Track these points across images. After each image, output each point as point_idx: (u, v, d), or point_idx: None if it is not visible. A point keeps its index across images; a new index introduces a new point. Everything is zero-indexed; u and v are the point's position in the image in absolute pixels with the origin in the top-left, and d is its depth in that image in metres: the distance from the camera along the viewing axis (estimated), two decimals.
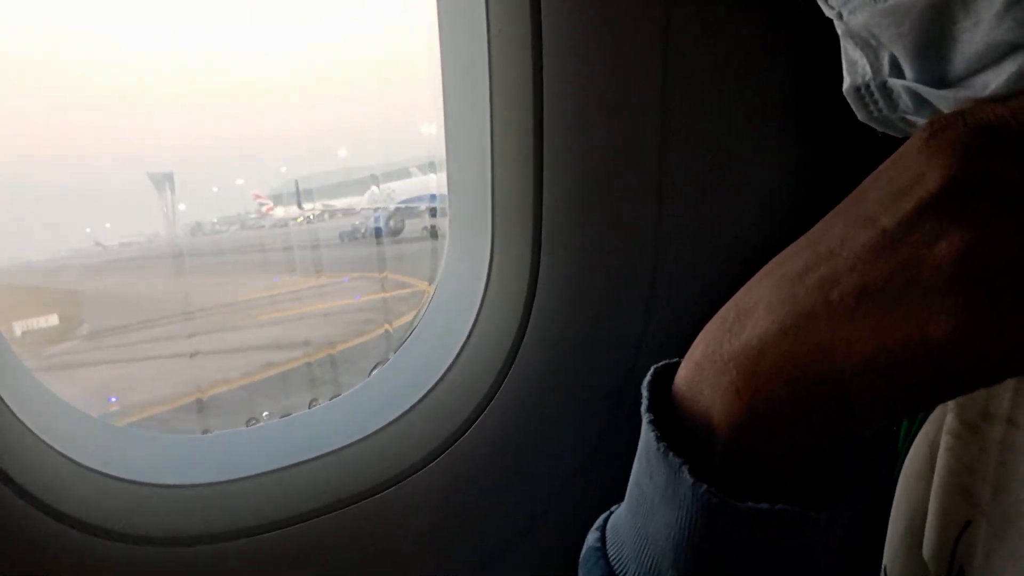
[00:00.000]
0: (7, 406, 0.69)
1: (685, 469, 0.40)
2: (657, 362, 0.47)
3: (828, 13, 0.47)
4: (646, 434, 0.43)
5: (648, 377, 0.46)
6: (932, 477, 0.43)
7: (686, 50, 0.77)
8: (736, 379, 0.39)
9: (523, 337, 0.80)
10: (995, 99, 0.35)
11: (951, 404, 0.44)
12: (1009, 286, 0.30)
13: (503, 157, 0.79)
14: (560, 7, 0.74)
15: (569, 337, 0.81)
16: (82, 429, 0.77)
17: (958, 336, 0.31)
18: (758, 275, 0.41)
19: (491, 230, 0.81)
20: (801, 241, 0.39)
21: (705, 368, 0.42)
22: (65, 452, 0.71)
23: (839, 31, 0.47)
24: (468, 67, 0.80)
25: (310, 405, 0.85)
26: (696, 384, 0.42)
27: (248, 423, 0.80)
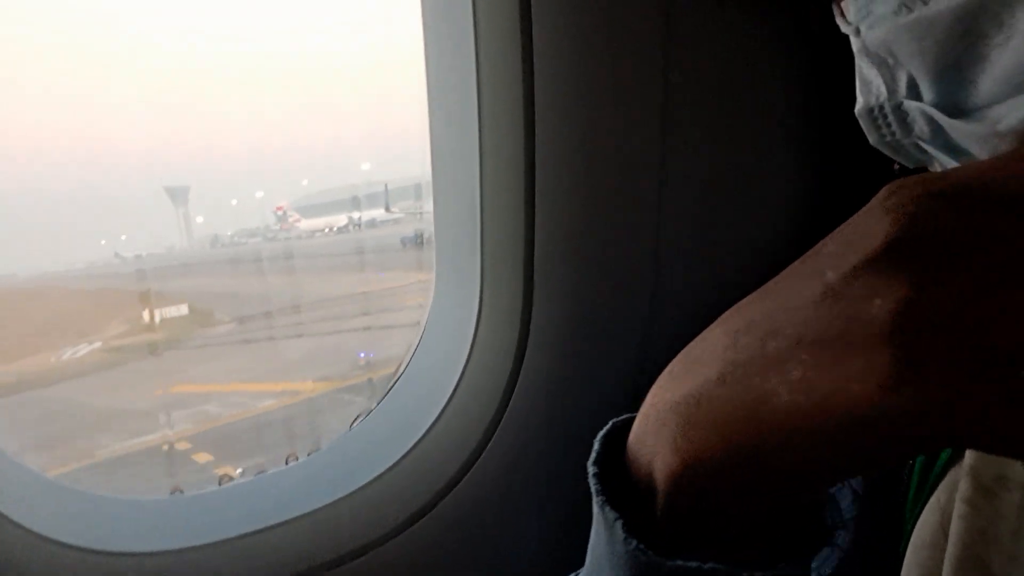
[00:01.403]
0: None
1: (619, 524, 0.38)
2: None
3: (845, 29, 0.45)
4: (592, 487, 0.41)
5: (605, 429, 0.44)
6: (944, 546, 0.41)
7: (686, 87, 0.73)
8: (675, 430, 0.37)
9: (515, 384, 0.75)
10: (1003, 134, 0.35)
11: (965, 468, 0.41)
12: (942, 348, 0.29)
13: (492, 194, 0.74)
14: (551, 44, 0.70)
15: (563, 382, 0.77)
16: (36, 492, 0.71)
17: (883, 394, 0.29)
18: (713, 324, 0.40)
19: (480, 271, 0.77)
20: (757, 292, 0.38)
21: (650, 418, 0.39)
22: (17, 519, 0.65)
23: (854, 48, 0.45)
24: (456, 103, 0.77)
25: (287, 461, 0.80)
26: (641, 435, 0.40)
27: (221, 481, 0.75)
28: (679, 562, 0.37)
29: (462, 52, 0.75)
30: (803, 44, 0.77)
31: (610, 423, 0.44)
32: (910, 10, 0.39)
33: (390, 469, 0.73)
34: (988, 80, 0.37)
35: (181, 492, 0.74)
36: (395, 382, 0.82)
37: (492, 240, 0.76)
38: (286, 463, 0.79)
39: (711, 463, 0.35)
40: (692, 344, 0.41)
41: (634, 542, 0.38)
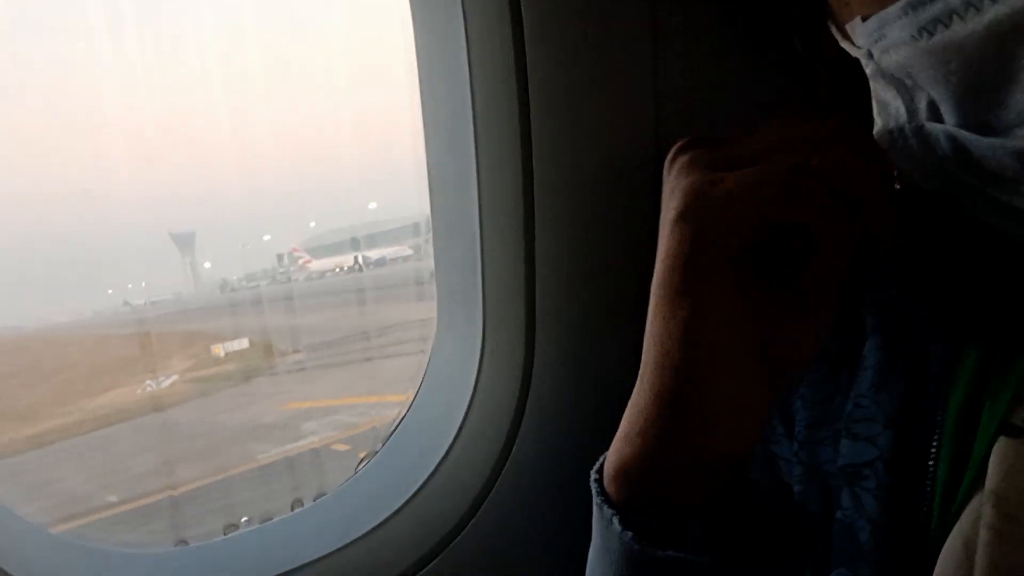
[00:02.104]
0: None
1: (615, 519, 0.44)
2: None
3: (854, 53, 0.45)
4: (593, 491, 0.48)
5: (597, 463, 0.50)
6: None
7: (676, 112, 0.73)
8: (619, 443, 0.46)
9: (519, 425, 0.75)
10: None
11: (987, 495, 0.41)
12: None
13: (492, 236, 0.75)
14: (544, 73, 0.71)
15: (567, 420, 0.76)
16: (41, 548, 0.70)
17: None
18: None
19: (482, 311, 0.77)
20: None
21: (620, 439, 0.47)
22: None
23: (867, 71, 0.45)
24: (452, 137, 0.77)
25: (293, 507, 0.79)
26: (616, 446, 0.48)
27: (226, 530, 0.74)
28: (669, 552, 0.42)
29: (457, 92, 0.75)
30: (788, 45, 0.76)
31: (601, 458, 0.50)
32: (931, 34, 0.38)
33: (395, 514, 0.72)
34: (1018, 102, 0.36)
35: (186, 543, 0.73)
36: (397, 426, 0.81)
37: (493, 282, 0.76)
38: (292, 509, 0.79)
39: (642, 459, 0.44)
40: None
41: (629, 533, 0.43)
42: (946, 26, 0.37)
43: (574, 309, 0.75)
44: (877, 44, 0.43)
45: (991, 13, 0.35)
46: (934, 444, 0.45)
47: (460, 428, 0.76)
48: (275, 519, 0.78)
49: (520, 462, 0.74)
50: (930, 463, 0.45)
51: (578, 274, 0.75)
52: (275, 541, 0.74)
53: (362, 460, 0.81)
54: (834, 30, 0.48)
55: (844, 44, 0.46)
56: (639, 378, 0.46)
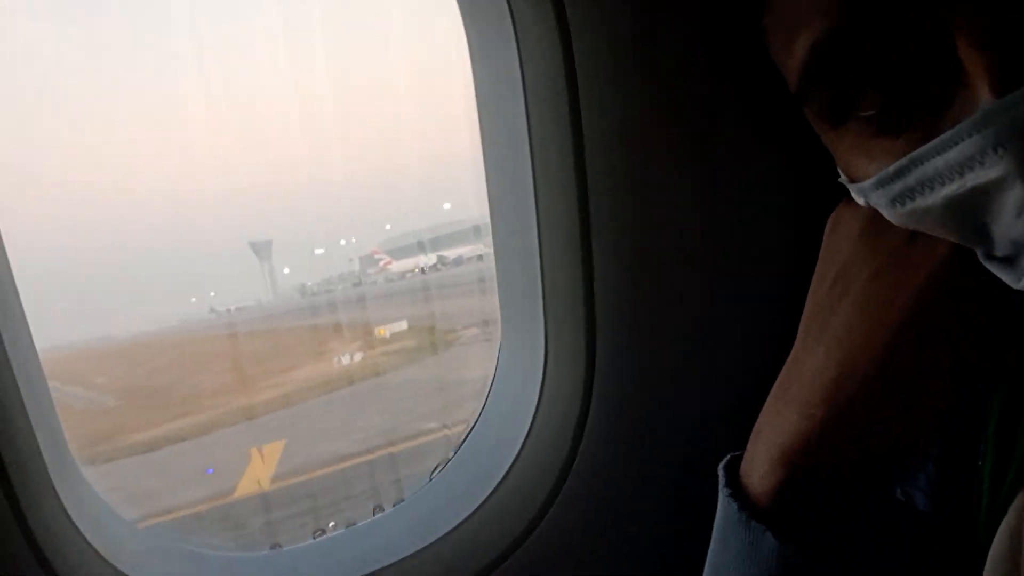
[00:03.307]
0: (73, 524, 0.69)
1: (769, 533, 0.49)
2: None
3: (852, 192, 0.53)
4: (725, 508, 0.53)
5: (724, 461, 0.56)
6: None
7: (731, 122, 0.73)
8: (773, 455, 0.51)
9: (584, 425, 0.76)
10: None
11: None
12: None
13: (550, 240, 0.76)
14: (595, 85, 0.72)
15: (632, 419, 0.77)
16: (145, 551, 0.76)
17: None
18: (796, 356, 0.55)
19: (543, 314, 0.78)
20: (814, 330, 0.55)
21: (755, 458, 0.53)
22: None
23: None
24: (507, 143, 0.79)
25: (373, 512, 0.83)
26: (746, 467, 0.54)
27: (315, 535, 0.79)
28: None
29: (510, 95, 0.77)
30: None
31: (728, 456, 0.57)
32: (902, 204, 0.46)
33: (469, 517, 0.75)
34: (999, 245, 0.43)
35: (280, 547, 0.79)
36: (469, 431, 0.84)
37: (553, 286, 0.77)
38: (373, 514, 0.83)
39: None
40: (785, 375, 0.55)
41: (788, 547, 0.48)
42: (911, 199, 0.45)
43: (634, 307, 0.76)
44: (863, 199, 0.50)
45: (944, 191, 0.42)
46: (982, 442, 0.48)
47: (529, 431, 0.78)
48: (359, 523, 0.82)
49: (588, 461, 0.76)
50: (979, 461, 0.48)
51: (636, 272, 0.76)
52: (359, 544, 0.78)
53: (436, 467, 0.84)
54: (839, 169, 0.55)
55: (843, 181, 0.53)
56: (804, 354, 0.53)
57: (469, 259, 4.18)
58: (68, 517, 0.69)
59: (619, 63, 0.71)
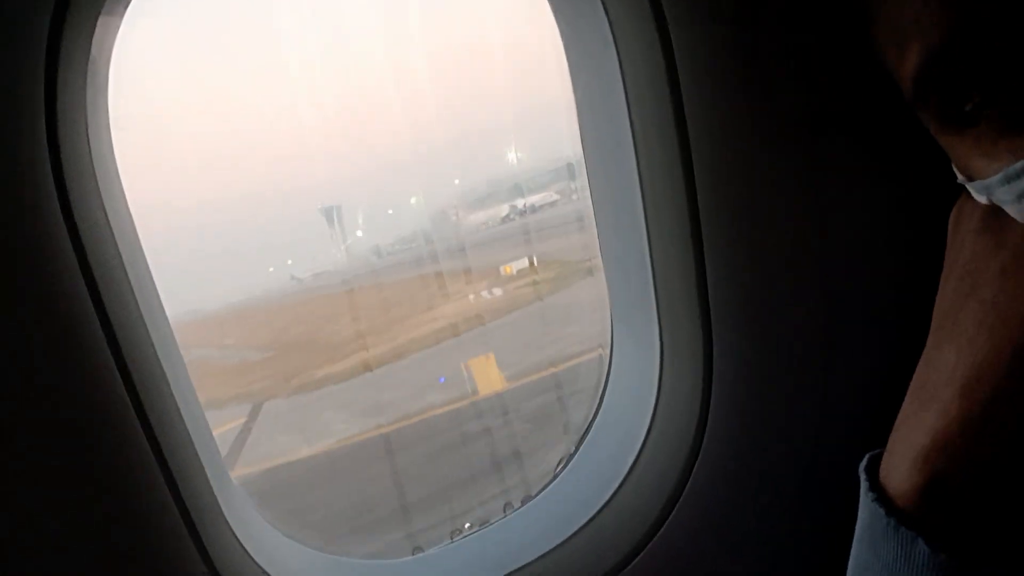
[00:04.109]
0: (235, 537, 0.74)
1: (920, 540, 0.48)
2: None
3: (972, 191, 0.53)
4: (871, 513, 0.52)
5: (864, 462, 0.56)
6: None
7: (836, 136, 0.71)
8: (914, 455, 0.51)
9: (705, 423, 0.77)
10: None
11: None
12: None
13: (659, 232, 0.76)
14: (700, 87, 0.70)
15: (754, 417, 0.77)
16: (292, 558, 0.81)
17: None
18: (929, 355, 0.54)
19: (656, 310, 0.79)
20: (948, 329, 0.54)
21: (896, 454, 0.53)
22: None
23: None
24: (613, 148, 0.78)
25: (504, 510, 0.86)
26: (886, 469, 0.53)
27: (452, 536, 0.83)
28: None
29: (612, 96, 0.76)
30: None
31: (867, 457, 0.56)
32: None
33: (593, 519, 0.78)
34: None
35: (422, 551, 0.83)
36: (588, 429, 0.86)
37: (664, 281, 0.77)
38: (504, 513, 0.86)
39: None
40: (920, 374, 0.54)
41: (941, 555, 0.48)
42: None
43: (749, 305, 0.76)
44: (985, 196, 0.50)
45: None
46: None
47: (648, 429, 0.79)
48: (492, 523, 0.85)
49: (710, 460, 0.77)
50: None
51: (750, 270, 0.75)
52: (491, 547, 0.82)
53: (559, 463, 0.87)
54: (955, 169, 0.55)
55: (962, 180, 0.53)
56: (936, 353, 0.52)
57: (542, 207, 4.18)
58: (231, 531, 0.74)
59: (718, 60, 0.69)
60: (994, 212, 0.50)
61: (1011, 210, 0.48)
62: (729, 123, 0.71)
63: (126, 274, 0.67)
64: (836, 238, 0.73)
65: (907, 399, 0.55)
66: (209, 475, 0.72)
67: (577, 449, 0.86)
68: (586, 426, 0.87)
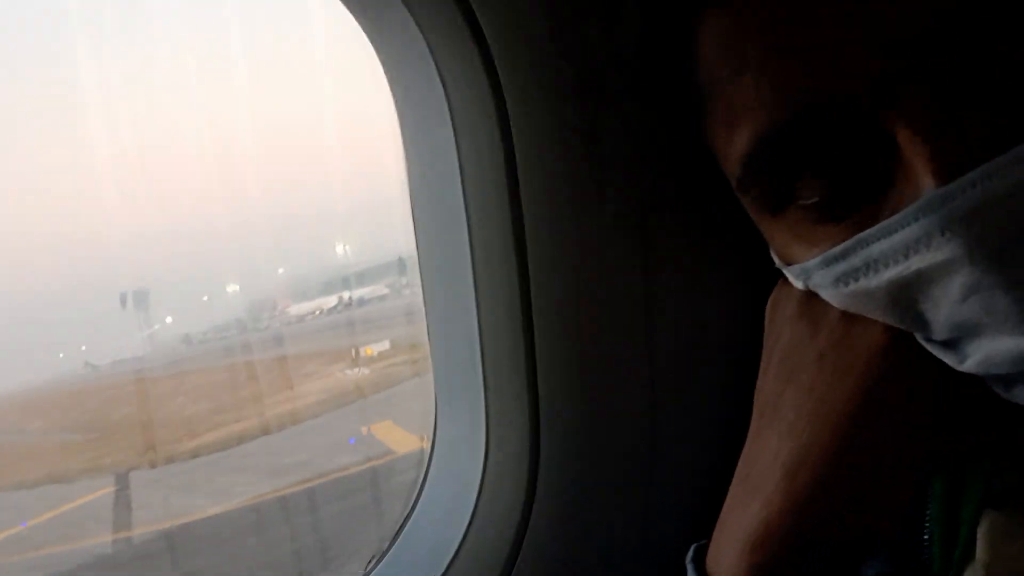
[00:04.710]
0: None
1: None
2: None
3: (789, 277, 0.54)
4: None
5: (690, 553, 0.56)
6: None
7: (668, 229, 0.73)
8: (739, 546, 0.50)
9: (528, 519, 0.73)
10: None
11: (978, 566, 0.48)
12: None
13: (491, 336, 0.74)
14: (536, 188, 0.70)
15: (580, 512, 0.74)
16: None
17: None
18: (751, 445, 0.54)
19: (484, 404, 0.75)
20: (766, 412, 0.55)
21: (721, 544, 0.53)
22: None
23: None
24: (445, 223, 0.76)
25: None
26: (713, 559, 0.53)
27: None
28: None
29: (446, 174, 0.74)
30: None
31: (692, 548, 0.56)
32: (846, 284, 0.46)
33: None
34: (939, 331, 0.44)
35: None
36: (404, 523, 0.80)
37: (494, 375, 0.74)
38: None
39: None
40: (744, 462, 0.54)
41: None
42: (856, 280, 0.45)
43: (579, 393, 0.74)
44: (803, 282, 0.51)
45: (888, 273, 0.43)
46: (927, 524, 0.51)
47: (468, 525, 0.74)
48: None
49: (532, 553, 0.73)
50: (924, 538, 0.51)
51: (579, 353, 0.74)
52: None
53: (371, 559, 0.79)
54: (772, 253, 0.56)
55: (779, 266, 0.55)
56: (758, 440, 0.53)
57: (371, 300, 4.15)
58: None
59: (557, 139, 0.69)
60: (810, 298, 0.51)
61: (828, 295, 0.49)
62: (566, 204, 0.70)
63: None
64: (665, 322, 0.74)
65: (732, 487, 0.54)
66: None
67: (389, 547, 0.79)
68: (399, 525, 0.80)
